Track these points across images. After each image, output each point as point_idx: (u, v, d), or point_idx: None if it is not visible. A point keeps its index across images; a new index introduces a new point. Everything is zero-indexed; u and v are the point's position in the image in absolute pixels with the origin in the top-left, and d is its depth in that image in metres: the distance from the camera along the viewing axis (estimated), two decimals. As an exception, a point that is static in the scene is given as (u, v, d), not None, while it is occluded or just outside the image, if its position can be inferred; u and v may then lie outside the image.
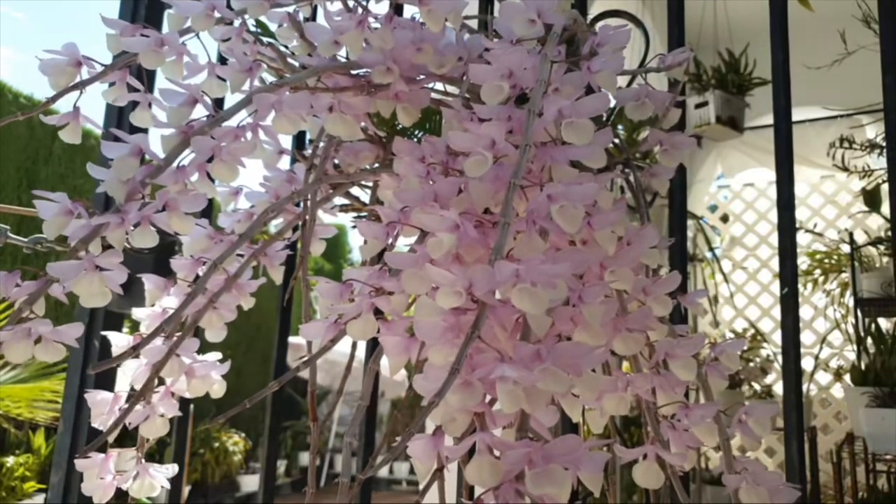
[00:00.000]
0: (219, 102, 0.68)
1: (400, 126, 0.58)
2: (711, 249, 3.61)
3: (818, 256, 3.08)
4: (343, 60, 0.52)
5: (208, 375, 0.53)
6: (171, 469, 0.52)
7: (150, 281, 0.54)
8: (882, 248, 2.47)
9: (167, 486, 0.50)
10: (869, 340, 2.19)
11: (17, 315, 0.42)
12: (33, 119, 0.51)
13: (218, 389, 0.53)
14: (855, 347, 2.31)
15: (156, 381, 0.48)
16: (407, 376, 0.45)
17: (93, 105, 0.56)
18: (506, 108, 0.43)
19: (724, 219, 4.04)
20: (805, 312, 3.54)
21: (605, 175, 0.47)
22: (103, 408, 0.50)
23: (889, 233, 2.46)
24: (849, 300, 2.78)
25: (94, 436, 0.43)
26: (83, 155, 4.34)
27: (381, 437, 0.53)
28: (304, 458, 6.11)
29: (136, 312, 0.54)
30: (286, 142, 0.59)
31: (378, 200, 0.59)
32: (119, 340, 0.51)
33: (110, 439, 0.45)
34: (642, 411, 0.48)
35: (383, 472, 5.66)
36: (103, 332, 0.61)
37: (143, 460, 0.51)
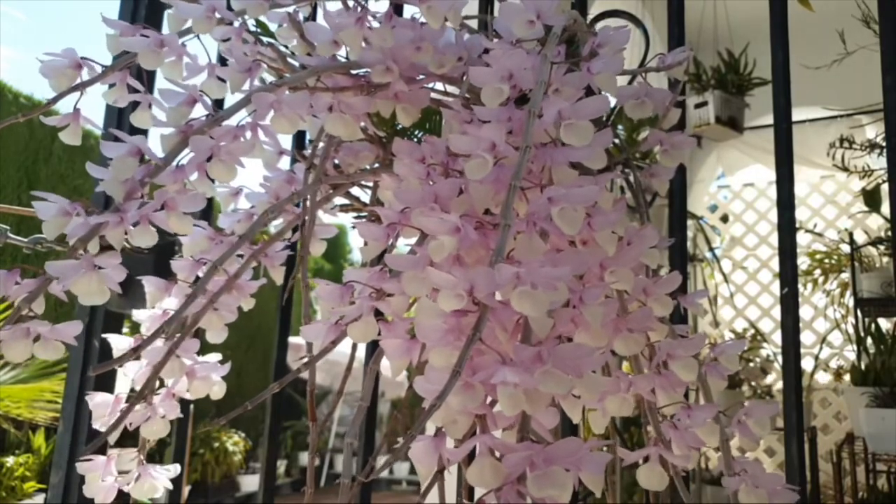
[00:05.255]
0: (219, 103, 0.68)
1: (400, 126, 0.58)
2: (711, 249, 3.61)
3: (818, 256, 3.08)
4: (343, 60, 0.52)
5: (209, 376, 0.53)
6: (174, 470, 0.51)
7: (150, 283, 0.54)
8: (882, 248, 2.47)
9: (169, 486, 0.50)
10: (869, 340, 2.19)
11: (16, 314, 0.42)
12: (33, 119, 0.51)
13: (218, 391, 0.53)
14: (855, 347, 2.31)
15: (157, 383, 0.48)
16: (407, 376, 0.45)
17: (93, 105, 0.56)
18: (505, 110, 0.43)
19: (724, 219, 4.04)
20: (805, 312, 3.54)
21: (605, 175, 0.47)
22: (105, 409, 0.50)
23: (889, 233, 2.46)
24: (849, 300, 2.78)
25: (95, 436, 0.43)
26: (83, 155, 4.33)
27: (381, 437, 0.53)
28: (305, 458, 6.10)
29: (137, 314, 0.54)
30: (286, 142, 0.59)
31: (378, 201, 0.59)
32: (119, 343, 0.51)
33: (111, 440, 0.45)
34: (643, 411, 0.48)
35: (383, 472, 5.66)
36: (104, 335, 0.61)
37: (144, 462, 0.51)
